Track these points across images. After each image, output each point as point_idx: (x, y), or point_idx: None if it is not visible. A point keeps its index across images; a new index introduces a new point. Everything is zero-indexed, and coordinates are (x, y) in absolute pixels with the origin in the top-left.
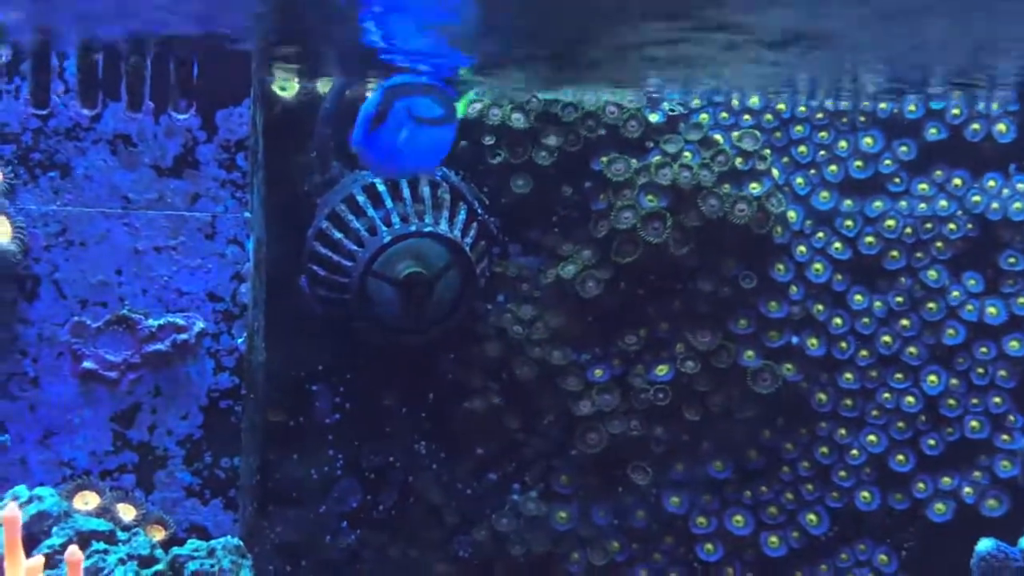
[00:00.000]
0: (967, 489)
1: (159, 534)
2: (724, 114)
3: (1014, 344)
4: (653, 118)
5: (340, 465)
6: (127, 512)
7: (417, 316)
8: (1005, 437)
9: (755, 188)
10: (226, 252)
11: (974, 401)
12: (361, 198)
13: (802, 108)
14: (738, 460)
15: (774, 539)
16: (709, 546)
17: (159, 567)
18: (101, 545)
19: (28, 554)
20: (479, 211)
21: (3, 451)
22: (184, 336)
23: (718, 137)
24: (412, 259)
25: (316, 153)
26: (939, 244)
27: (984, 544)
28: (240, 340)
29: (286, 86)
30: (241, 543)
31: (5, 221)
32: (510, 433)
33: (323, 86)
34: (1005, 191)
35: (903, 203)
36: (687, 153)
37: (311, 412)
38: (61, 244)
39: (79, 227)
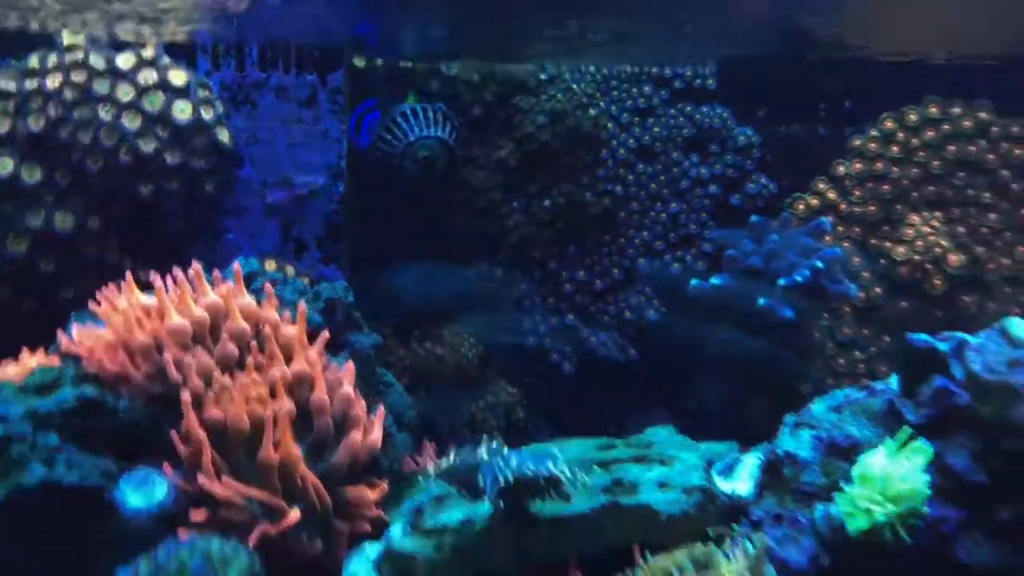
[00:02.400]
0: None
1: (305, 280)
2: None
3: None
4: None
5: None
6: (290, 270)
7: (427, 176)
8: None
9: None
10: (330, 135)
11: None
12: (399, 118)
13: None
14: None
15: None
16: None
17: (308, 296)
18: (279, 275)
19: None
20: (455, 123)
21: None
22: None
23: None
24: (425, 148)
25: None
26: None
27: None
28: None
29: (360, 62)
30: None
31: None
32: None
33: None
34: None
35: None
36: None
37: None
38: None
39: None
